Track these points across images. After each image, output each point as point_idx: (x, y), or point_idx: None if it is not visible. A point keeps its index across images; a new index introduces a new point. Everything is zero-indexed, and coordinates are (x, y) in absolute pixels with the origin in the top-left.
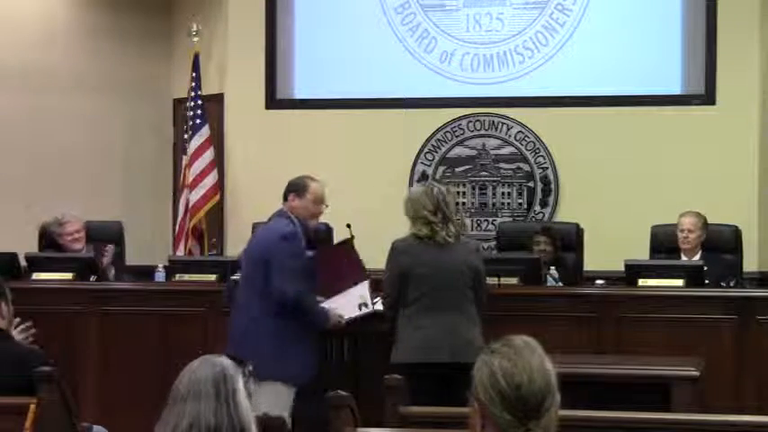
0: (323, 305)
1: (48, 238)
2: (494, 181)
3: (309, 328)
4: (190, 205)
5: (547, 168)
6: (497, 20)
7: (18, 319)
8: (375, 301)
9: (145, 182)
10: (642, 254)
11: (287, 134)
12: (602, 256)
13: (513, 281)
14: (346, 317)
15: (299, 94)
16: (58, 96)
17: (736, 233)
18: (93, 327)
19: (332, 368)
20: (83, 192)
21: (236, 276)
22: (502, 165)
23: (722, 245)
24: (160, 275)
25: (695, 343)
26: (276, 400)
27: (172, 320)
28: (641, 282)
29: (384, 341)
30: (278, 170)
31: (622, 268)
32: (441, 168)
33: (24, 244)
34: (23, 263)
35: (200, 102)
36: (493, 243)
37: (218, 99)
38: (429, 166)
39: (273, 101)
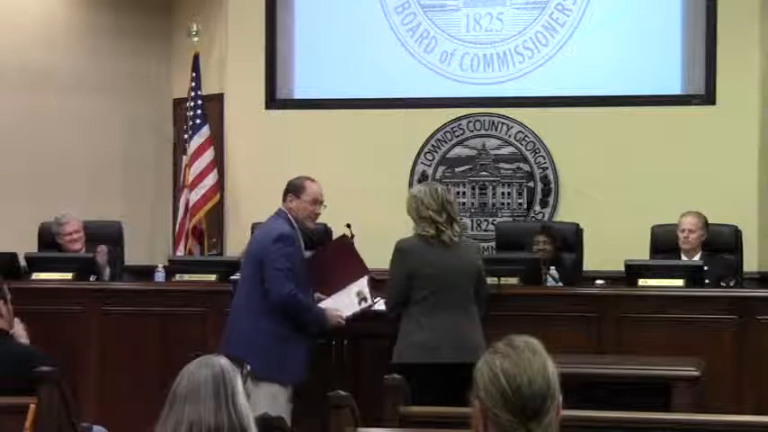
0: (323, 302)
1: (47, 237)
2: (494, 181)
3: (306, 328)
4: (190, 205)
5: (547, 168)
6: (497, 20)
7: (17, 319)
8: (376, 300)
9: (145, 182)
10: (642, 254)
11: (287, 134)
12: (602, 256)
13: (513, 281)
14: (348, 313)
15: (299, 94)
16: (57, 96)
17: (736, 233)
18: (94, 327)
19: (332, 368)
20: (83, 192)
21: (236, 276)
22: (502, 165)
23: (722, 245)
24: (160, 275)
25: (695, 343)
26: (272, 400)
27: (172, 320)
28: (641, 282)
29: (384, 341)
30: (278, 170)
31: (622, 268)
32: (441, 168)
33: (24, 244)
34: (23, 263)
35: (200, 102)
36: (493, 243)
37: (218, 99)
38: (429, 166)
39: (273, 101)
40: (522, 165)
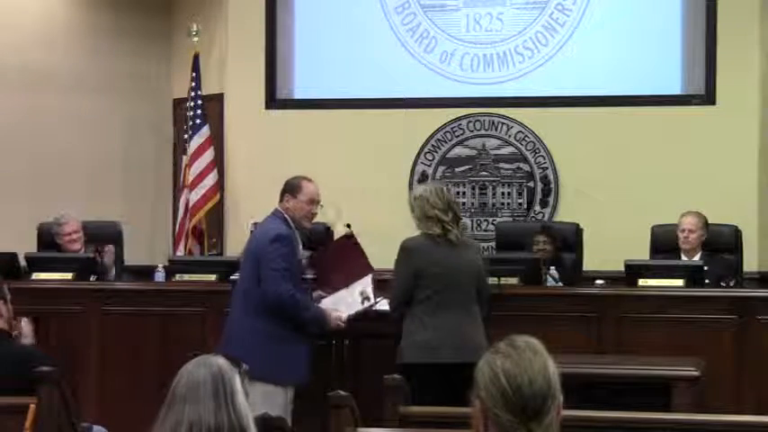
0: (326, 300)
1: (46, 238)
2: (494, 181)
3: (305, 328)
4: (190, 205)
5: (547, 168)
6: (497, 20)
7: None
8: (378, 300)
9: (145, 182)
10: (642, 254)
11: (287, 134)
12: (602, 256)
13: (513, 281)
14: (351, 312)
15: (299, 94)
16: (57, 96)
17: (736, 233)
18: (94, 327)
19: (332, 368)
20: (82, 192)
21: (235, 276)
22: (502, 165)
23: (722, 245)
24: (160, 275)
25: (695, 343)
26: (267, 401)
27: (172, 320)
28: (641, 282)
29: (385, 341)
30: (278, 170)
31: (622, 268)
32: (441, 168)
33: (24, 244)
34: (23, 263)
35: (200, 102)
36: (493, 243)
37: (218, 99)
38: (429, 166)
39: (273, 101)
40: (522, 165)
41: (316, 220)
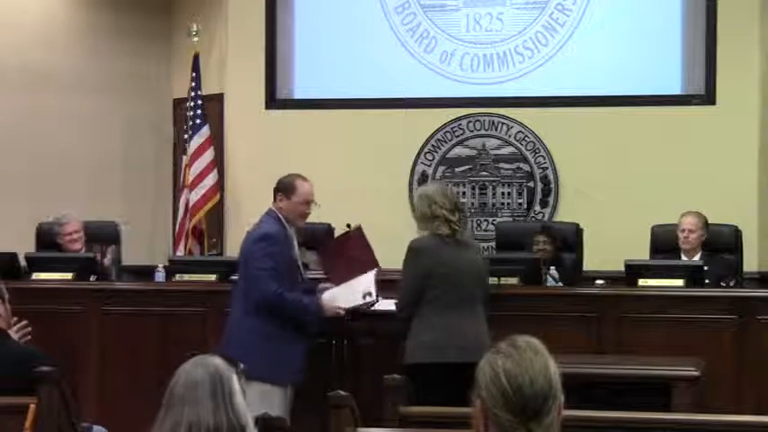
0: (329, 292)
1: (45, 237)
2: (494, 181)
3: (304, 328)
4: (190, 205)
5: (547, 168)
6: (497, 20)
7: (15, 318)
8: (379, 299)
9: (145, 182)
10: (642, 254)
11: (287, 134)
12: (602, 256)
13: (513, 281)
14: (350, 305)
15: (299, 94)
16: (57, 96)
17: (736, 233)
18: (94, 327)
19: (332, 368)
20: (82, 192)
21: (235, 276)
22: (502, 165)
23: (722, 245)
24: (160, 275)
25: (695, 343)
26: (263, 400)
27: (172, 320)
28: (641, 282)
29: (384, 341)
30: (278, 170)
31: (622, 268)
32: (441, 168)
33: (24, 244)
34: (23, 263)
35: (200, 102)
36: (493, 243)
37: (218, 99)
38: (429, 166)
39: (273, 101)
40: (522, 165)
41: (316, 220)
